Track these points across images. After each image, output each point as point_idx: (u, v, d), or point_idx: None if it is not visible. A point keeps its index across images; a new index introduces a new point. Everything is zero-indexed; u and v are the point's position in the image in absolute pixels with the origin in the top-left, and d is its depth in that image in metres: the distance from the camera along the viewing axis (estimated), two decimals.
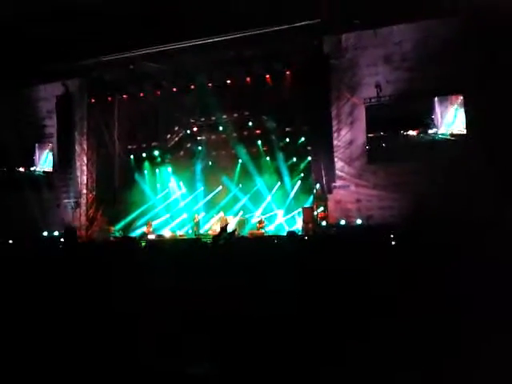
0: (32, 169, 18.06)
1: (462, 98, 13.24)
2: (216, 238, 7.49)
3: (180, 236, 16.41)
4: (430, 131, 13.47)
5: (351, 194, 14.15)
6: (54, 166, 17.79)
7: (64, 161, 17.44)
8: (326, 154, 14.37)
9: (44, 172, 17.97)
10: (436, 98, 13.49)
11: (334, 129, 14.46)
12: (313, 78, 14.46)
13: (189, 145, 18.52)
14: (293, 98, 15.25)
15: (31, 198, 16.73)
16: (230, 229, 14.83)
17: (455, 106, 13.36)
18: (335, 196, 14.29)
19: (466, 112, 13.06)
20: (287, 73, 15.34)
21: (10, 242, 10.84)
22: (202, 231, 16.70)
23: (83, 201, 17.29)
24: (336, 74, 14.41)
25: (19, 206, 16.36)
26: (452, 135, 13.26)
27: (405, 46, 13.88)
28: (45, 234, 16.15)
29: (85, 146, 17.52)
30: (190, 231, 16.92)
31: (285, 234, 14.45)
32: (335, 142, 14.43)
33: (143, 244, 11.01)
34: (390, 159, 13.56)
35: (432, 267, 4.35)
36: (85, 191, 17.34)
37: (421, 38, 13.56)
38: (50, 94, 17.97)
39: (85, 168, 17.44)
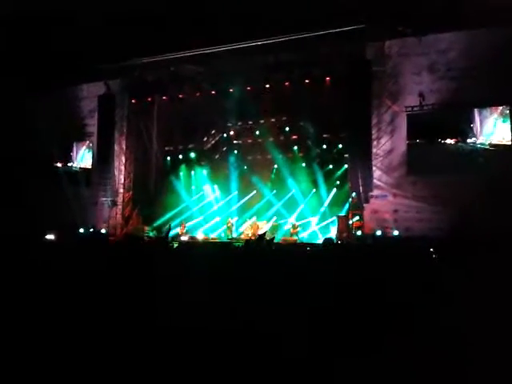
0: (69, 165, 18.55)
1: (505, 108, 12.76)
2: (252, 243, 7.37)
3: (213, 239, 16.41)
4: (468, 140, 13.05)
5: (388, 205, 13.82)
6: (93, 164, 18.18)
7: (103, 159, 17.81)
8: (364, 163, 14.09)
9: (81, 168, 18.42)
10: (477, 109, 13.08)
11: (374, 137, 14.18)
12: (354, 85, 14.24)
13: (225, 148, 18.53)
14: (332, 104, 15.03)
15: (70, 194, 17.15)
16: (262, 233, 14.71)
17: (498, 116, 12.91)
18: (372, 205, 13.99)
19: (511, 123, 12.59)
20: (327, 78, 15.14)
21: (50, 237, 11.04)
22: (234, 235, 16.65)
23: (120, 199, 17.58)
24: (378, 81, 14.13)
25: (58, 201, 16.75)
26: (492, 145, 12.81)
27: (450, 55, 13.49)
28: (81, 230, 16.43)
29: (123, 146, 17.84)
30: (223, 234, 16.89)
31: (320, 241, 14.28)
32: (374, 151, 14.15)
33: (175, 245, 11.03)
34: (431, 170, 13.15)
35: (474, 284, 4.16)
36: (121, 190, 17.64)
37: (466, 47, 13.17)
38: (93, 94, 18.40)
39: (122, 167, 17.75)
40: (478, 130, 13.05)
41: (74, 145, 18.68)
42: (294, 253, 7.75)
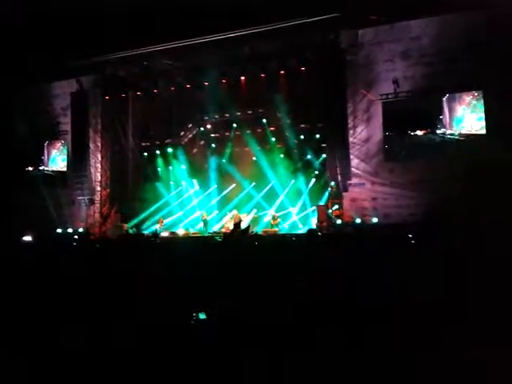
0: (41, 168, 18.12)
1: (477, 95, 12.88)
2: (229, 235, 7.35)
3: (193, 233, 16.32)
4: (438, 131, 13.12)
5: (367, 192, 13.93)
6: (68, 163, 17.83)
7: (78, 158, 17.50)
8: (342, 151, 14.16)
9: (53, 171, 18.01)
10: (447, 99, 13.14)
11: (350, 125, 14.25)
12: (328, 74, 14.27)
13: (202, 142, 18.38)
14: (308, 94, 15.05)
15: (45, 195, 16.83)
16: (243, 226, 14.70)
17: (467, 106, 13.03)
18: (350, 194, 14.09)
19: (485, 110, 12.70)
20: (302, 69, 15.11)
21: (28, 239, 10.85)
22: (215, 229, 16.59)
23: (97, 198, 17.32)
24: (352, 69, 14.18)
25: (33, 203, 16.43)
26: (462, 135, 12.91)
27: (423, 41, 13.59)
28: (59, 230, 16.18)
29: (99, 143, 17.55)
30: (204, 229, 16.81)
31: (302, 232, 14.30)
32: (351, 139, 14.22)
33: (155, 241, 10.93)
34: (408, 157, 13.27)
35: (451, 267, 4.21)
36: (99, 188, 17.39)
37: (439, 33, 13.28)
38: (65, 91, 18.03)
39: (99, 165, 17.48)
40: (448, 120, 13.16)
41: (45, 147, 18.22)
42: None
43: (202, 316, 3.12)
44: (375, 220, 13.38)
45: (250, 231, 11.29)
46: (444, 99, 13.19)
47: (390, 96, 13.75)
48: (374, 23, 14.15)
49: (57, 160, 18.15)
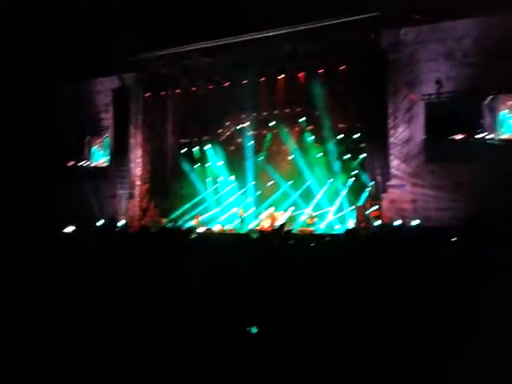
0: (81, 163, 18.47)
1: None
2: (271, 235, 7.42)
3: (229, 230, 16.47)
4: (477, 135, 12.72)
5: (407, 194, 13.73)
6: (109, 158, 18.25)
7: (119, 153, 17.93)
8: (381, 152, 14.01)
9: (93, 167, 18.36)
10: (488, 103, 12.74)
11: (390, 126, 14.05)
12: (369, 74, 14.11)
13: (240, 139, 18.53)
14: (347, 93, 14.93)
15: (86, 189, 17.28)
16: (279, 224, 14.76)
17: (509, 111, 12.62)
18: (390, 195, 13.92)
19: None
20: (342, 67, 14.99)
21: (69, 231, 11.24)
22: (250, 226, 16.70)
23: (137, 192, 17.72)
24: (393, 69, 13.96)
25: (74, 197, 16.90)
26: (502, 140, 12.52)
27: (467, 42, 13.26)
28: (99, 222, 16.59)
29: (139, 140, 17.93)
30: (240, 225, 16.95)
31: (341, 232, 14.25)
32: (391, 140, 14.03)
33: (192, 236, 11.12)
34: (450, 158, 12.97)
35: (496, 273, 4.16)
36: (138, 183, 17.79)
37: (483, 34, 12.90)
38: (107, 88, 18.45)
39: (139, 160, 17.88)
40: (489, 123, 12.76)
41: (86, 142, 18.64)
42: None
43: (254, 330, 3.07)
44: (415, 222, 13.17)
45: (285, 228, 11.35)
46: (485, 102, 12.85)
47: (432, 96, 13.50)
48: (417, 22, 13.89)
49: (98, 155, 18.61)
